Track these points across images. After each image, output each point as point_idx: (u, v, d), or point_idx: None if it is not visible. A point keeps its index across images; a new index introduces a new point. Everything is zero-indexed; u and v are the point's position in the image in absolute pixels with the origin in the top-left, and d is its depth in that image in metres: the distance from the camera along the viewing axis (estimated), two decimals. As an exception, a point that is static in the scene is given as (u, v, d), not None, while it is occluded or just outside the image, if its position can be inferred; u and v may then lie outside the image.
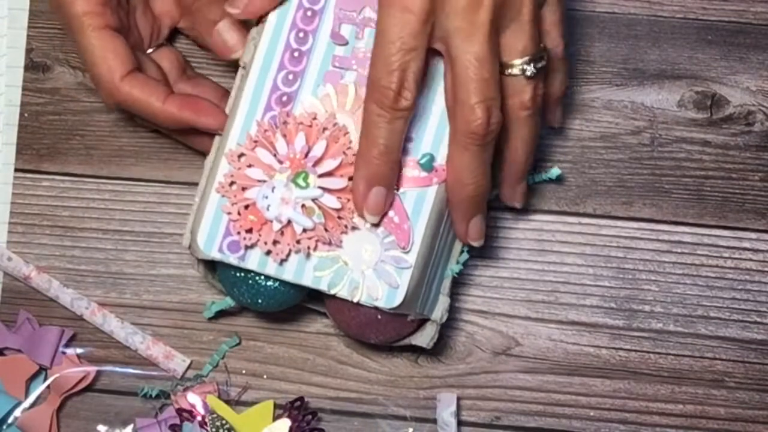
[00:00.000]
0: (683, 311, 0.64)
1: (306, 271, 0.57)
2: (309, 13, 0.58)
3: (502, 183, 0.59)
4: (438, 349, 0.63)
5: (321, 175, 0.56)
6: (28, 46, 0.66)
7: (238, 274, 0.58)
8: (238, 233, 0.57)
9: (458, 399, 0.63)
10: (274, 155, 0.56)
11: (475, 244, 0.58)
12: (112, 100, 0.59)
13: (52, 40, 0.66)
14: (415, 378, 0.64)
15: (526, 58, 0.54)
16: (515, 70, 0.55)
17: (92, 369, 0.64)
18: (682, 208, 0.65)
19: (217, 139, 0.59)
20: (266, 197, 0.56)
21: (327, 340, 0.64)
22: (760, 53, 0.65)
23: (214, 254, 0.57)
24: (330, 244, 0.57)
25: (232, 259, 0.57)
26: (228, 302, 0.61)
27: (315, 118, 0.57)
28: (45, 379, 0.63)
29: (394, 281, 0.56)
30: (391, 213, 0.57)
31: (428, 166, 0.56)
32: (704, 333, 0.64)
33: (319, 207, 0.56)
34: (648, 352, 0.64)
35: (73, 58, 0.66)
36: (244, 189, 0.57)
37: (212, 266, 0.60)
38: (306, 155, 0.56)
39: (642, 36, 0.66)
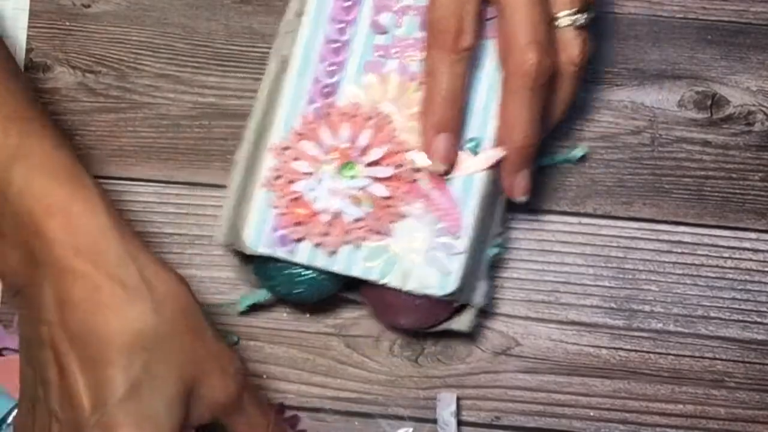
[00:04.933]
0: (683, 311, 0.64)
1: (356, 262, 0.57)
2: (347, 4, 0.58)
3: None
4: (438, 349, 0.63)
5: (368, 165, 0.56)
6: (28, 46, 0.66)
7: (276, 266, 0.58)
8: (287, 227, 0.56)
9: (458, 399, 0.63)
10: (320, 147, 0.56)
11: (521, 199, 0.57)
12: None
13: (52, 40, 0.66)
14: (415, 378, 0.64)
15: (575, 9, 0.55)
16: (565, 21, 0.55)
17: (92, 369, 0.63)
18: (682, 208, 0.64)
19: (250, 133, 0.59)
20: (314, 189, 0.56)
21: (327, 340, 0.64)
22: (760, 53, 0.65)
23: (262, 249, 0.57)
24: (379, 233, 0.56)
25: (281, 253, 0.57)
26: (262, 295, 0.61)
27: (359, 108, 0.57)
28: (45, 379, 0.63)
29: (446, 268, 0.56)
30: (440, 199, 0.56)
31: (475, 150, 0.56)
32: (704, 333, 0.64)
33: (368, 197, 0.56)
34: (648, 352, 0.64)
35: (73, 58, 0.66)
36: (290, 182, 0.56)
37: (248, 260, 0.60)
38: (352, 145, 0.56)
39: (642, 36, 0.66)
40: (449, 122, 0.56)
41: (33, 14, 0.67)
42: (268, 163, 0.57)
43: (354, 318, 0.64)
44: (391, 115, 0.57)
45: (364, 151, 0.56)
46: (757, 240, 0.64)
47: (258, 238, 0.57)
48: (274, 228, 0.57)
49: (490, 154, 0.57)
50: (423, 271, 0.56)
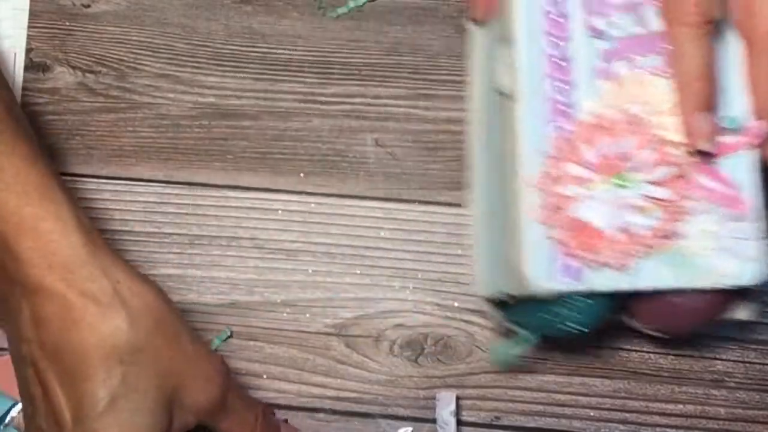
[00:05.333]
0: (683, 311, 0.64)
1: (651, 274, 0.54)
2: (557, 19, 0.55)
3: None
4: (438, 349, 0.63)
5: (639, 170, 0.54)
6: (28, 46, 0.66)
7: (546, 301, 0.55)
8: (572, 255, 0.53)
9: (458, 399, 0.63)
10: (583, 165, 0.54)
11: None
12: None
13: (52, 40, 0.66)
14: (415, 378, 0.64)
15: None
16: None
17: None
18: (682, 208, 0.64)
19: (480, 175, 0.58)
20: (593, 209, 0.54)
21: (327, 340, 0.64)
22: (760, 53, 0.65)
23: (551, 285, 0.54)
24: (670, 237, 0.54)
25: (570, 285, 0.54)
26: (528, 339, 0.57)
27: (607, 117, 0.54)
28: (44, 379, 0.63)
29: (747, 255, 0.54)
30: (718, 187, 0.54)
31: (736, 128, 0.54)
32: (704, 333, 0.64)
33: (651, 202, 0.54)
34: (648, 352, 0.64)
35: (73, 58, 0.66)
36: (562, 209, 0.54)
37: (504, 306, 0.58)
38: (616, 155, 0.54)
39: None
40: (707, 99, 0.53)
41: (33, 14, 0.67)
42: (529, 197, 0.54)
43: (354, 318, 0.64)
44: (640, 115, 0.55)
45: (631, 157, 0.54)
46: (757, 240, 0.64)
47: (541, 275, 0.54)
48: (555, 260, 0.54)
49: (753, 127, 0.54)
50: (726, 263, 0.54)
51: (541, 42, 0.55)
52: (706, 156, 0.54)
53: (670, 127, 0.54)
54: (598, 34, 0.55)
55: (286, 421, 0.63)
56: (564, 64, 0.55)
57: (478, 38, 0.61)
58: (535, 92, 0.55)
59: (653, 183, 0.54)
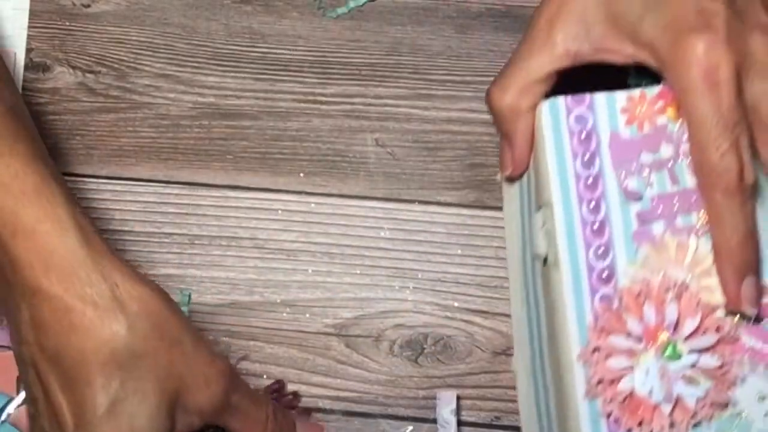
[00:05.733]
0: (684, 311, 0.64)
1: None
2: (590, 182, 0.54)
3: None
4: (438, 349, 0.63)
5: (687, 339, 0.52)
6: (28, 46, 0.67)
7: None
8: (626, 428, 0.52)
9: (458, 398, 0.63)
10: (630, 337, 0.52)
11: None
12: None
13: (52, 40, 0.67)
14: (415, 378, 0.64)
15: None
16: None
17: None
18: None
19: (523, 352, 0.58)
20: (644, 382, 0.52)
21: (327, 340, 0.64)
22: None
23: None
24: (722, 405, 0.53)
25: None
26: None
27: (649, 284, 0.53)
28: (44, 378, 0.63)
29: None
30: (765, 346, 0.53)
31: None
32: None
33: (701, 372, 0.52)
34: (648, 352, 0.64)
35: (73, 58, 0.66)
36: (613, 383, 0.52)
37: None
38: (662, 324, 0.52)
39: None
40: (751, 264, 0.52)
41: (33, 14, 0.67)
42: (577, 371, 0.53)
43: (354, 318, 0.64)
44: (683, 279, 0.53)
45: (678, 326, 0.52)
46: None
47: None
48: None
49: None
50: None
51: (575, 206, 0.54)
52: (752, 318, 0.53)
53: (714, 289, 0.53)
54: (631, 194, 0.54)
55: (309, 414, 0.62)
56: (600, 228, 0.53)
57: (510, 194, 0.60)
58: (574, 260, 0.53)
59: (701, 351, 0.52)
